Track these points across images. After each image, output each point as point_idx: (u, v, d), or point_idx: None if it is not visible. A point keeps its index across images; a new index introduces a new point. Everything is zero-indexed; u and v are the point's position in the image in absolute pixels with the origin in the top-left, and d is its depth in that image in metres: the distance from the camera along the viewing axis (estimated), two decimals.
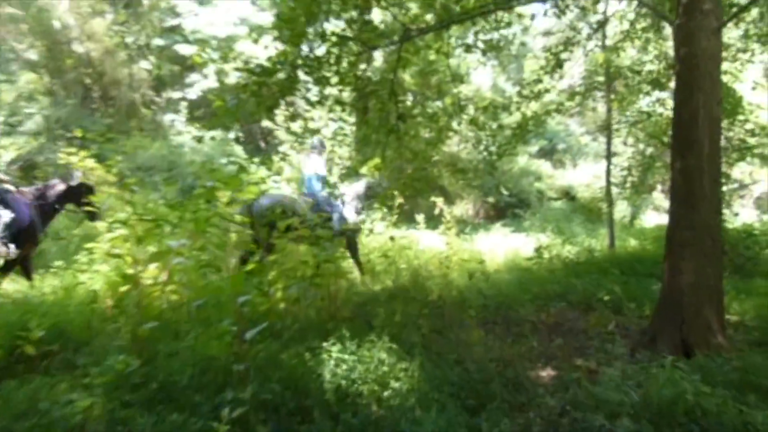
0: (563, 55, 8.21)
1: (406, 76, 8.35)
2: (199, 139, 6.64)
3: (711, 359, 4.67)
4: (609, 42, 10.48)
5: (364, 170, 8.13)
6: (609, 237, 11.45)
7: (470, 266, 8.82)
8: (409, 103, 8.38)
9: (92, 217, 7.53)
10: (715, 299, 5.43)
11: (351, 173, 8.13)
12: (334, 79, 7.10)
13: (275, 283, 4.94)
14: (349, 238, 8.54)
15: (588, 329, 6.30)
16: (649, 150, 12.30)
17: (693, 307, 5.33)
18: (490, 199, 18.82)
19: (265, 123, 19.64)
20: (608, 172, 11.58)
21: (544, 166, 21.83)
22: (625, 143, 12.03)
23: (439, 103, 8.54)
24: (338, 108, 7.49)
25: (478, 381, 4.28)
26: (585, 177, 20.61)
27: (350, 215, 8.75)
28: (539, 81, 8.40)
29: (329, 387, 3.94)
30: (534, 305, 7.16)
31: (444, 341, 5.44)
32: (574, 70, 10.84)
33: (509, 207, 18.84)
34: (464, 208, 18.73)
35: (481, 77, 20.50)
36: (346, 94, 7.91)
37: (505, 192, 18.47)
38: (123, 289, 4.96)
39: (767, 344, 5.57)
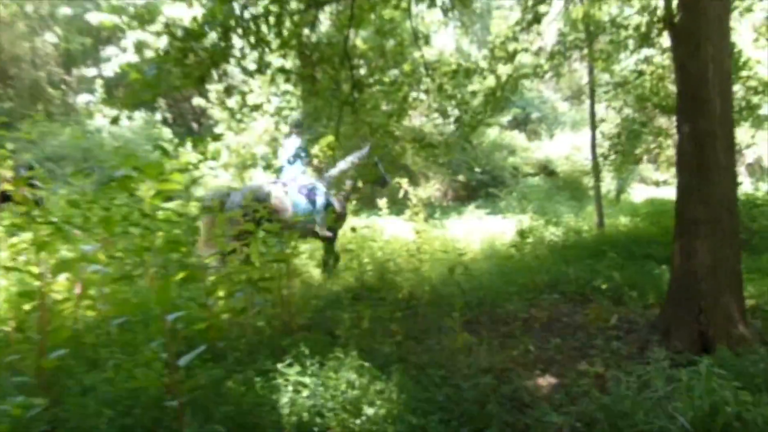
0: (542, 8, 7.87)
1: (359, 41, 7.91)
2: (115, 120, 6.11)
3: (741, 356, 4.40)
4: None
5: (315, 150, 7.72)
6: (597, 215, 11.31)
7: (445, 257, 8.67)
8: (364, 71, 7.98)
9: None
10: (735, 283, 5.23)
11: (299, 155, 7.72)
12: (275, 43, 6.66)
13: (214, 291, 4.49)
14: (334, 229, 8.49)
15: (587, 325, 6.09)
16: (636, 115, 12.20)
17: (711, 294, 5.11)
18: (460, 178, 18.63)
19: (197, 101, 19.08)
20: (593, 142, 11.39)
21: (517, 138, 21.78)
22: (612, 108, 11.85)
23: (397, 71, 8.13)
24: (281, 78, 7.05)
25: (470, 401, 3.93)
26: (564, 148, 20.56)
27: (337, 202, 8.65)
28: (514, 39, 8.06)
29: (288, 421, 3.54)
30: (522, 299, 6.91)
31: (423, 350, 5.11)
32: (549, 29, 10.56)
33: (482, 186, 18.70)
34: (431, 189, 18.49)
35: (443, 40, 20.17)
36: (291, 62, 7.47)
37: (476, 169, 18.27)
38: (26, 307, 4.45)
39: None
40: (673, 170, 20.67)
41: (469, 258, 8.97)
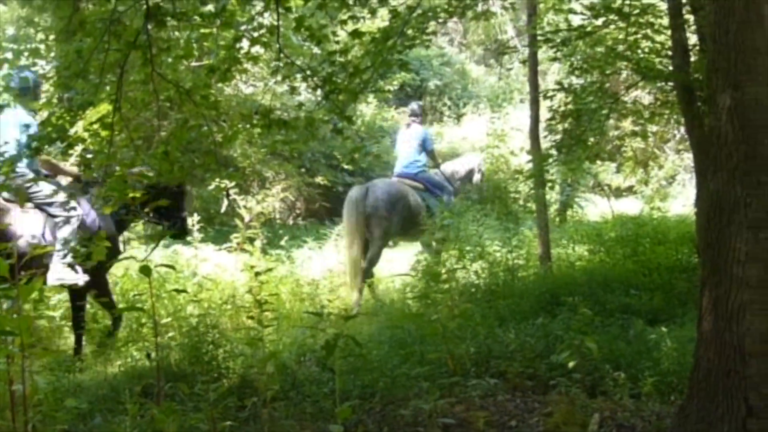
0: None
1: None
2: None
3: None
4: None
5: (78, 128, 6.86)
6: (541, 243, 11.03)
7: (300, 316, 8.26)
8: None
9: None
10: None
11: (50, 136, 6.85)
12: None
13: None
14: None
15: None
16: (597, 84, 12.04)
17: (765, 382, 4.68)
18: (319, 180, 18.11)
19: None
20: (535, 125, 11.12)
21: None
22: (570, 70, 11.62)
23: None
24: None
25: None
26: (480, 136, 20.50)
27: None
28: None
29: None
30: (437, 388, 6.29)
31: None
32: None
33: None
34: (272, 198, 17.79)
35: None
36: None
37: (345, 166, 17.66)
38: None
39: None
40: (642, 173, 21.00)
41: (336, 314, 8.58)
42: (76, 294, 8.00)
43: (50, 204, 7.75)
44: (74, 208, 7.93)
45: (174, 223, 8.73)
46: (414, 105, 12.98)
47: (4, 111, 7.65)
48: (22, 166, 7.67)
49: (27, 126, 7.76)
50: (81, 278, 7.79)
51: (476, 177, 13.59)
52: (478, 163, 13.58)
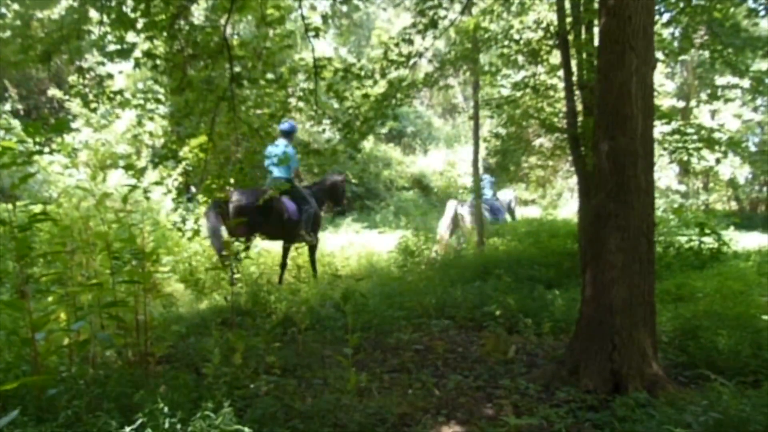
0: (440, 12, 7.25)
1: (240, 28, 6.97)
2: None
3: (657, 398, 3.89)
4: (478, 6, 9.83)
5: (184, 151, 6.66)
6: (477, 234, 10.87)
7: (323, 276, 8.07)
8: (239, 68, 7.05)
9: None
10: (649, 317, 4.71)
11: (166, 156, 6.64)
12: (141, 23, 5.61)
13: (45, 323, 3.40)
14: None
15: (485, 357, 5.43)
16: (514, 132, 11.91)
17: (625, 329, 4.57)
18: None
19: (53, 92, 17.23)
20: (476, 158, 10.97)
21: (392, 151, 21.37)
22: (501, 125, 11.46)
23: (281, 68, 7.26)
24: (148, 63, 5.95)
25: None
26: (438, 164, 20.35)
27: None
28: (409, 42, 7.38)
29: None
30: (410, 325, 6.17)
31: (307, 393, 4.24)
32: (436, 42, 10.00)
33: (357, 198, 17.97)
34: None
35: (321, 47, 19.36)
36: (161, 48, 6.39)
37: (353, 180, 17.49)
38: None
39: (694, 366, 4.99)
40: (541, 191, 20.70)
41: (348, 276, 8.39)
42: (310, 248, 8.72)
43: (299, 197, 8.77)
44: (308, 201, 8.82)
45: (340, 207, 10.34)
46: (486, 163, 14.29)
47: (275, 143, 8.52)
48: (278, 174, 8.66)
49: (285, 153, 8.33)
50: (314, 240, 8.70)
51: (513, 204, 14.68)
52: (514, 197, 14.93)
